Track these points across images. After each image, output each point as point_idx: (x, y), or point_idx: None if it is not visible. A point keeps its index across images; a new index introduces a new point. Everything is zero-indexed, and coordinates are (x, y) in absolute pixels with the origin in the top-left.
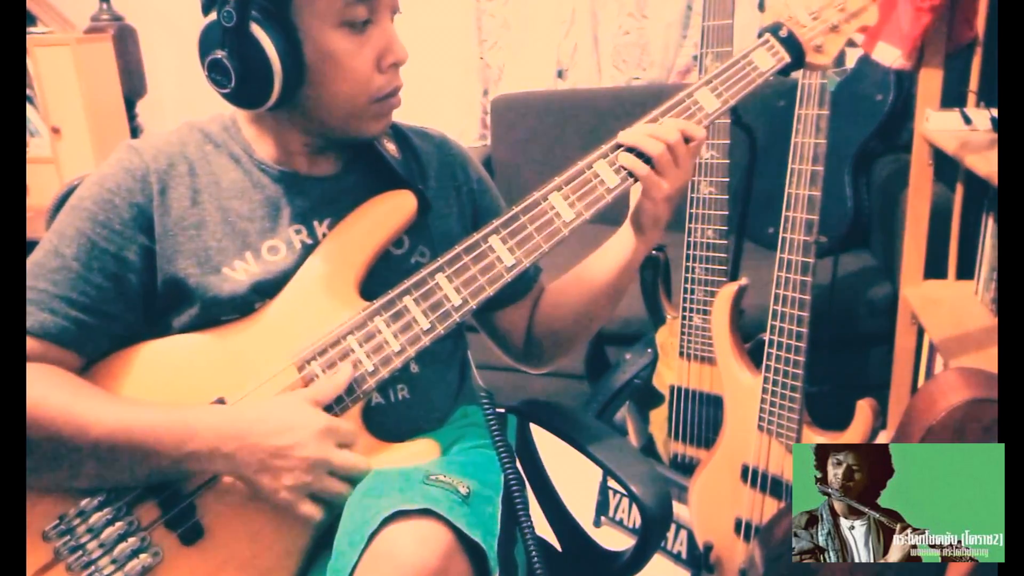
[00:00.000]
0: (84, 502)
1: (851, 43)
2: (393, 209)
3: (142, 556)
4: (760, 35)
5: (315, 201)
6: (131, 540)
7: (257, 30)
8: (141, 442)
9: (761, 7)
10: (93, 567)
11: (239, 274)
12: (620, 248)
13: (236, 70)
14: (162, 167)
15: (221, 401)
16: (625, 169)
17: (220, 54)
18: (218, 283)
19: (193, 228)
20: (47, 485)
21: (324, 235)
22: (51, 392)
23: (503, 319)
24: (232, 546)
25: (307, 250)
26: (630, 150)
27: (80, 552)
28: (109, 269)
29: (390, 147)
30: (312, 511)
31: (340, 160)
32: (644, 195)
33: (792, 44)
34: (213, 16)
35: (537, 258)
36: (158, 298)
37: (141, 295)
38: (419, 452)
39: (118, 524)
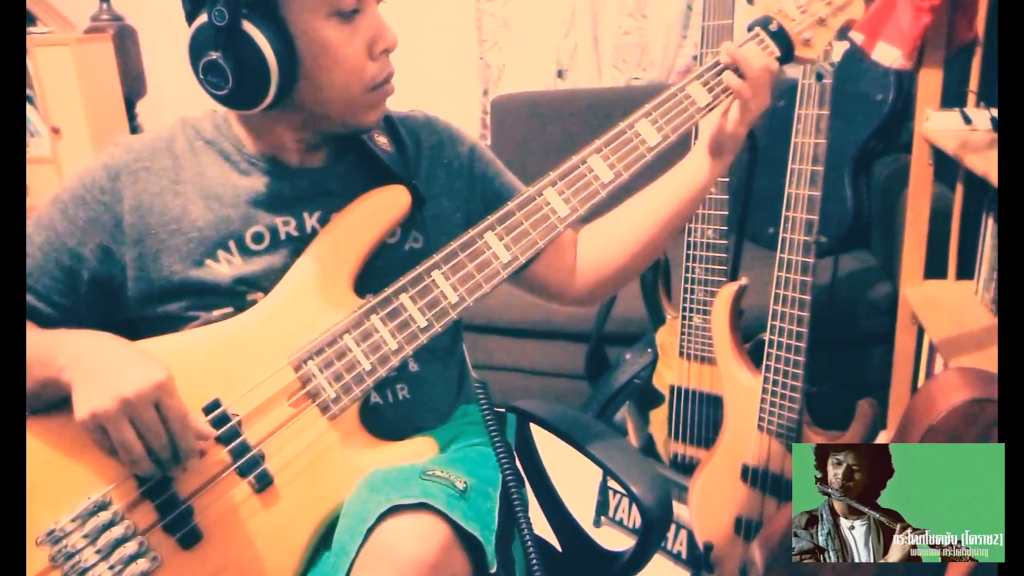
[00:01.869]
0: (79, 507)
1: (838, 37)
2: (386, 205)
3: (140, 561)
4: (750, 29)
5: (305, 192)
6: (128, 545)
7: (249, 27)
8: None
9: (750, 0)
10: (89, 573)
11: (222, 266)
12: (693, 173)
13: (232, 70)
14: (142, 164)
15: (216, 403)
16: (615, 154)
17: (215, 55)
18: (201, 275)
19: (175, 222)
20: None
21: (313, 228)
22: None
23: (532, 273)
24: (232, 549)
25: (293, 242)
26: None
27: (76, 558)
28: (64, 263)
29: (382, 141)
30: (100, 446)
31: (332, 153)
32: (731, 115)
33: (781, 38)
34: (201, 20)
35: (533, 253)
36: (137, 294)
37: (97, 292)
38: (417, 450)
39: (115, 529)
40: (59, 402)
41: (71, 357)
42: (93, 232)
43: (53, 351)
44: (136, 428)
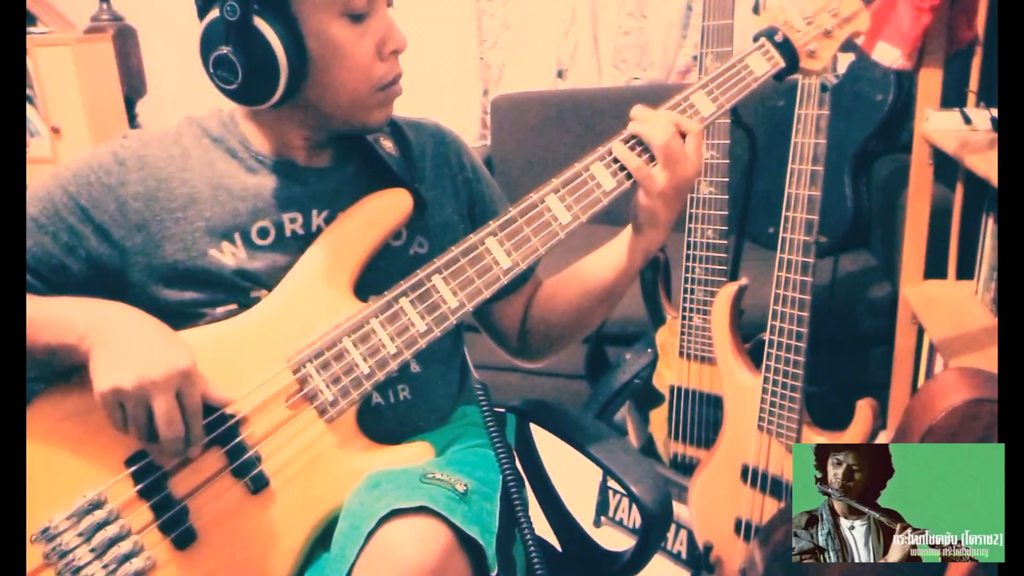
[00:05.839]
0: (75, 505)
1: (844, 48)
2: (389, 208)
3: (134, 561)
4: (755, 39)
5: (312, 191)
6: (123, 545)
7: (260, 23)
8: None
9: (756, 11)
10: (83, 572)
11: (226, 257)
12: (619, 249)
13: (242, 65)
14: (150, 152)
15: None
16: (617, 162)
17: (225, 50)
18: (204, 265)
19: (180, 210)
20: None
21: (319, 227)
22: None
23: (498, 312)
24: (226, 550)
25: (298, 240)
26: (630, 142)
27: (70, 557)
28: (62, 239)
29: (387, 145)
30: (114, 417)
31: (338, 153)
32: (639, 189)
33: (787, 49)
34: (213, 15)
35: (534, 260)
36: (138, 281)
37: (91, 273)
38: (414, 455)
39: (109, 528)
40: (58, 397)
41: (93, 325)
42: (94, 212)
43: (72, 316)
44: (153, 411)
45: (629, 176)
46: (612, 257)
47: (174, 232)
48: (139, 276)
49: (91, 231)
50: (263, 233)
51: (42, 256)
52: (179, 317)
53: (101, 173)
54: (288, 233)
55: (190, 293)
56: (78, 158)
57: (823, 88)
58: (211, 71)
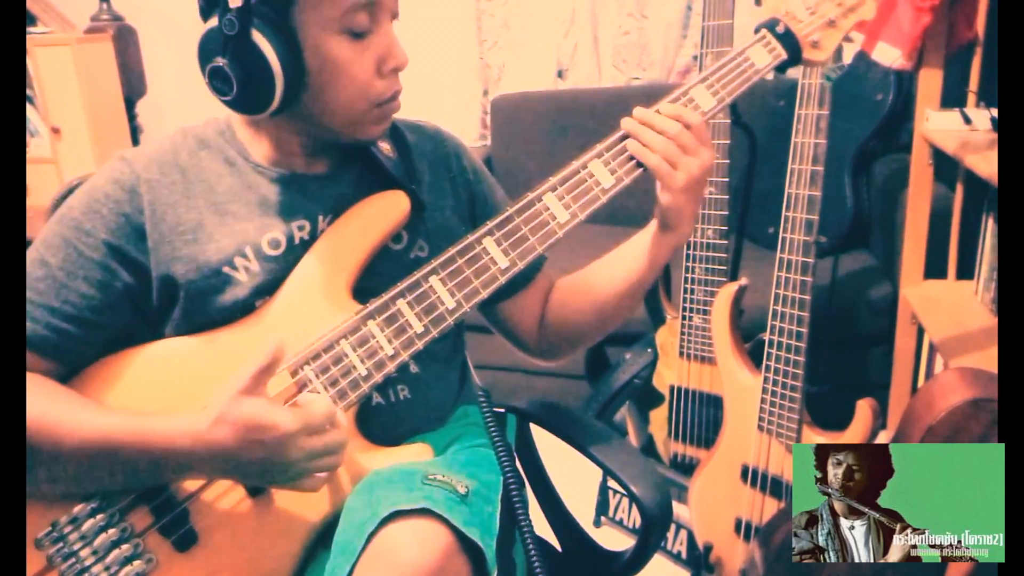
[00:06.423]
0: (77, 509)
1: (848, 38)
2: (385, 210)
3: (136, 563)
4: (757, 31)
5: (315, 198)
6: (124, 547)
7: (258, 37)
8: (117, 453)
9: (758, 2)
10: (86, 574)
11: (240, 274)
12: (643, 245)
13: (237, 77)
14: (153, 176)
15: None
16: (616, 159)
17: (221, 62)
18: (219, 286)
19: (190, 232)
20: (31, 492)
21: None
22: (28, 400)
23: (507, 310)
24: (227, 551)
25: (306, 248)
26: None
27: (73, 559)
28: (94, 277)
29: (385, 147)
30: (312, 485)
31: (337, 158)
32: (660, 186)
33: (789, 40)
34: (213, 22)
35: (531, 259)
36: (158, 304)
37: (129, 303)
38: (412, 456)
39: (111, 531)
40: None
41: (187, 458)
42: (117, 242)
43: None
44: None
45: (639, 165)
46: (637, 253)
47: (185, 253)
48: (159, 301)
49: (119, 262)
50: (275, 244)
51: (78, 300)
52: (185, 331)
53: (111, 203)
54: (297, 241)
55: (206, 311)
56: (77, 195)
57: (827, 79)
58: (207, 80)
